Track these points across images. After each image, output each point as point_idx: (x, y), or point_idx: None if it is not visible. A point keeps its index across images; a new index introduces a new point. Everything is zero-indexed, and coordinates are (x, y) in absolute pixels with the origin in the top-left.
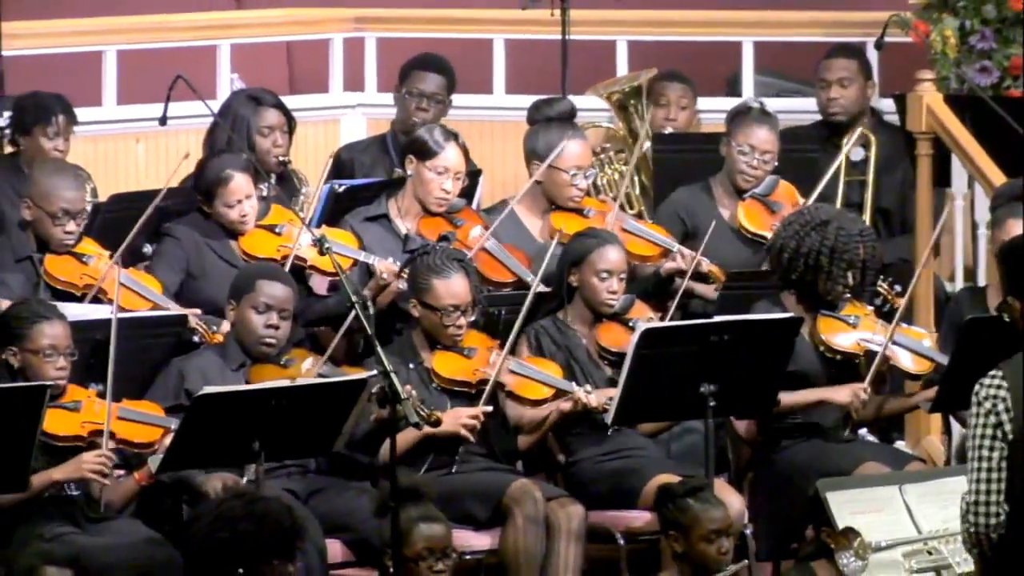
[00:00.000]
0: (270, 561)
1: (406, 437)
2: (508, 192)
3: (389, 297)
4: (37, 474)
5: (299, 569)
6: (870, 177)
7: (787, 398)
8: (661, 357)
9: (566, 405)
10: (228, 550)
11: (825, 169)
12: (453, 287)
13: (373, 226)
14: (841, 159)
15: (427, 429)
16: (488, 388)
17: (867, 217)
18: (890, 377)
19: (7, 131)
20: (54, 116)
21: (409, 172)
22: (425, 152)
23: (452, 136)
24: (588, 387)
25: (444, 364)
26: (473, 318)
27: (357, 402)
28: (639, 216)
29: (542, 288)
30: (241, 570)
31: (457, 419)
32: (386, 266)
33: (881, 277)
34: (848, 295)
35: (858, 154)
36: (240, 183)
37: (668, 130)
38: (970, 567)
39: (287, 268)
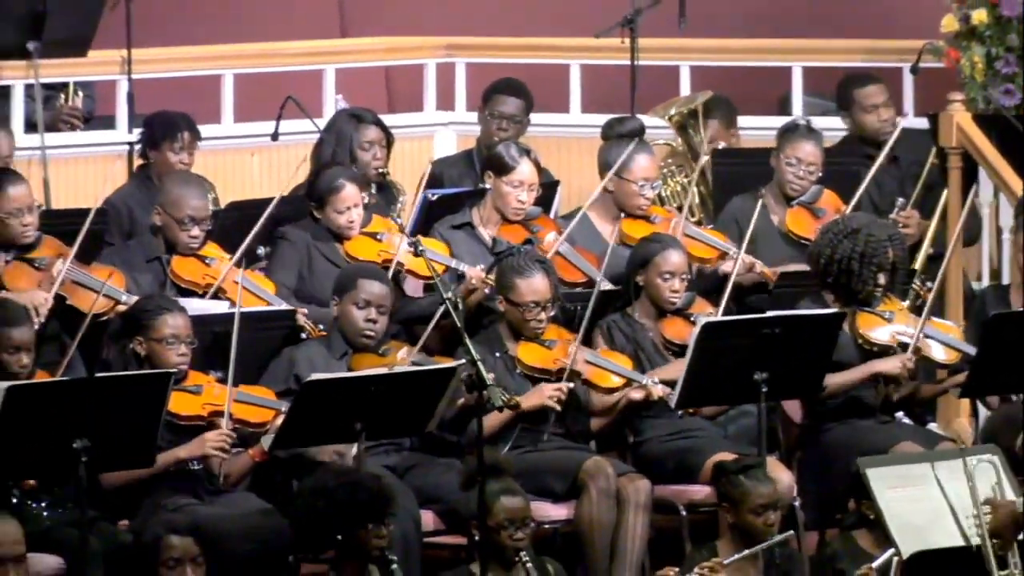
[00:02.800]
0: (365, 526)
1: (500, 418)
2: (583, 201)
3: (477, 299)
4: (163, 453)
5: (391, 533)
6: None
7: (838, 378)
8: (720, 348)
9: (636, 395)
10: (327, 518)
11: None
12: (534, 285)
13: (459, 233)
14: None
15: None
16: (566, 376)
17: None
18: (920, 366)
19: (138, 146)
20: (180, 133)
21: (488, 185)
22: (502, 168)
23: (525, 152)
24: (655, 378)
25: (527, 353)
26: (553, 313)
27: (448, 388)
28: (699, 223)
29: (608, 286)
30: (340, 536)
31: (543, 392)
32: (475, 272)
33: (922, 276)
34: (879, 293)
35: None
36: (350, 192)
37: (722, 145)
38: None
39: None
